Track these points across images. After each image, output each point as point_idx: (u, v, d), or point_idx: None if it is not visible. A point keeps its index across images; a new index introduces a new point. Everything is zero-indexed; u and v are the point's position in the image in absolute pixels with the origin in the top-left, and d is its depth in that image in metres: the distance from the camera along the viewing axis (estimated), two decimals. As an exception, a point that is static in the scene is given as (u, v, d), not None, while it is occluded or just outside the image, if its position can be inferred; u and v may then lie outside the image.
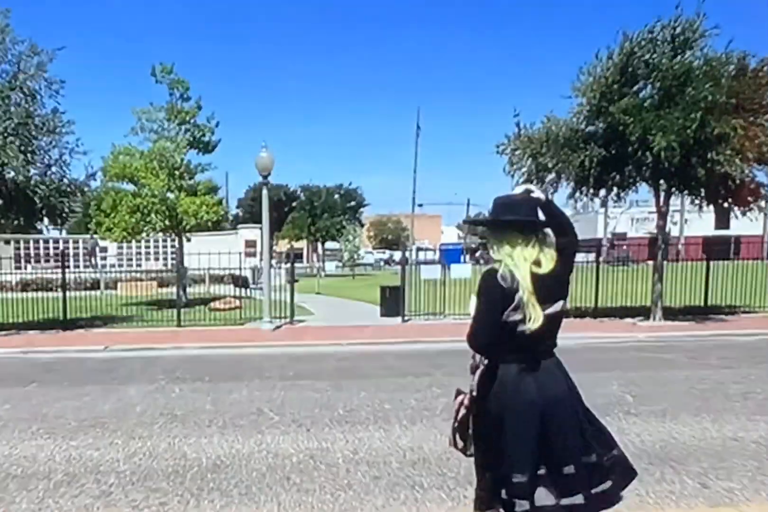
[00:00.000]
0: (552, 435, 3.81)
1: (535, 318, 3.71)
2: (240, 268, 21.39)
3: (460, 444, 4.22)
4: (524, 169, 19.34)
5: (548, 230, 3.94)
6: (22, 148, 18.44)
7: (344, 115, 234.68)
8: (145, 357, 15.58)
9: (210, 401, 10.55)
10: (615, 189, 19.79)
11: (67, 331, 20.10)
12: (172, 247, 49.75)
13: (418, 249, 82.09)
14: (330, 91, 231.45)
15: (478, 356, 4.05)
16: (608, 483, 3.94)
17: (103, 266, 44.38)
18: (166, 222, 25.61)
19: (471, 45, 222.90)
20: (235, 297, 24.21)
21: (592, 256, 22.50)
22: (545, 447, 3.82)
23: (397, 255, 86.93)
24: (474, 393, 4.06)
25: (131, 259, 47.09)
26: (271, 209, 20.29)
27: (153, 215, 25.11)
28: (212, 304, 24.41)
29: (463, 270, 21.29)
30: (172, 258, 47.27)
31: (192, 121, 26.51)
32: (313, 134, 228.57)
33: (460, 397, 4.19)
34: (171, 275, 32.24)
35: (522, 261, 3.77)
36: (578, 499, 3.80)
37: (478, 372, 4.03)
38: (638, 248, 34.63)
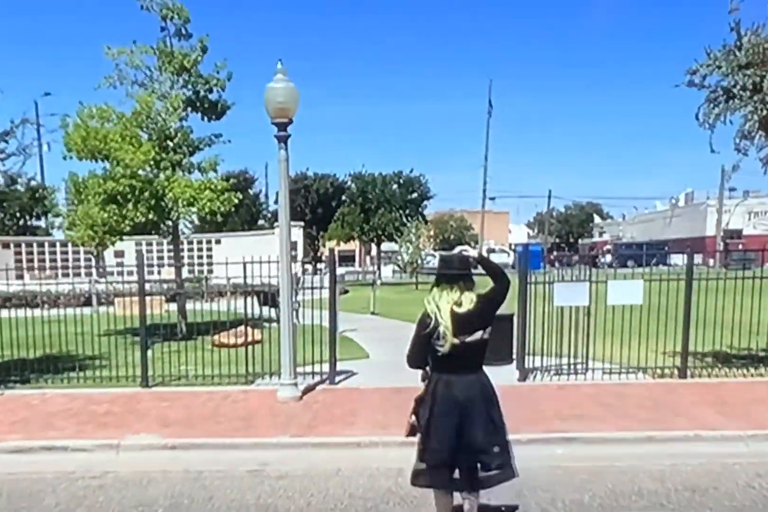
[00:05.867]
0: (466, 426, 5.41)
1: (445, 344, 5.38)
2: (245, 277, 12.98)
3: (408, 430, 5.83)
4: (747, 110, 10.93)
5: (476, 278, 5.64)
6: None
7: (401, 100, 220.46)
8: (26, 491, 7.61)
9: None
10: None
11: (-35, 393, 12.14)
12: (207, 249, 42.61)
13: (489, 250, 73.86)
14: (381, 73, 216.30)
15: (428, 368, 5.70)
16: (502, 465, 5.57)
17: (119, 274, 36.80)
18: (151, 215, 17.47)
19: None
20: (253, 325, 15.60)
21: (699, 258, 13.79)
22: (461, 435, 5.40)
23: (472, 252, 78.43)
24: (422, 393, 5.72)
25: (152, 266, 39.14)
26: (287, 199, 12.05)
27: (131, 205, 17.06)
28: (216, 337, 16.05)
29: (630, 291, 12.54)
30: (199, 265, 39.95)
31: (193, 69, 18.43)
32: (365, 121, 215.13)
33: (416, 396, 5.78)
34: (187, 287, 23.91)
35: (444, 304, 5.43)
36: (481, 473, 5.49)
37: (427, 380, 5.69)
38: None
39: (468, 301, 5.41)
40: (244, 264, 12.90)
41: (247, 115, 18.77)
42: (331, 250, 14.01)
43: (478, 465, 5.49)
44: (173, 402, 11.17)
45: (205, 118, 19.36)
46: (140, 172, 17.56)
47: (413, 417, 5.78)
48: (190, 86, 18.73)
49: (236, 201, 18.74)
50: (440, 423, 5.46)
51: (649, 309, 12.40)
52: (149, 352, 13.25)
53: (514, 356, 13.17)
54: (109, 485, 7.56)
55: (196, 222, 31.11)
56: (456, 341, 5.36)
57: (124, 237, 18.79)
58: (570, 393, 11.43)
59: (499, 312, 14.45)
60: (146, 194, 17.22)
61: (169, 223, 18.93)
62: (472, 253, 5.63)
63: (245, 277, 13.00)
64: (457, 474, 5.52)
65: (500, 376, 11.98)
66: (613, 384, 11.97)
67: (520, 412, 9.82)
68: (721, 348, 13.46)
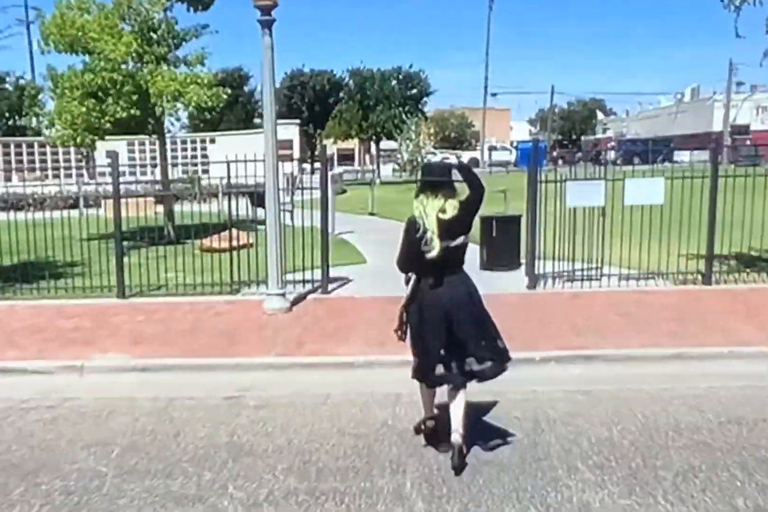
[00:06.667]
0: (455, 325, 5.58)
1: (434, 249, 5.45)
2: (228, 177, 11.94)
3: (400, 333, 5.80)
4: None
5: (457, 185, 5.67)
6: None
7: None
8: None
9: None
10: None
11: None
12: (202, 149, 41.27)
13: (491, 148, 72.18)
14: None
15: (410, 273, 5.80)
16: (494, 358, 5.70)
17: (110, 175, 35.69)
18: (133, 110, 16.33)
19: None
20: (242, 227, 14.58)
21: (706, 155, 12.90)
22: (452, 333, 5.58)
23: (466, 155, 76.56)
24: (407, 298, 5.77)
25: (145, 166, 37.92)
26: (272, 89, 10.88)
27: (111, 100, 15.95)
28: (203, 242, 15.07)
29: (650, 190, 11.33)
30: (194, 165, 38.63)
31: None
32: (362, 13, 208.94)
33: (402, 301, 5.83)
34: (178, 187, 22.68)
35: (431, 210, 5.52)
36: (475, 366, 5.62)
37: (410, 283, 5.75)
38: None
39: (452, 208, 5.57)
40: (228, 163, 11.83)
41: (241, 11, 17.61)
42: (323, 147, 12.92)
43: (471, 359, 5.63)
44: (150, 315, 10.29)
45: (191, 9, 17.98)
46: (123, 66, 16.47)
47: (404, 318, 5.84)
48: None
49: (225, 96, 17.59)
50: (431, 325, 5.61)
51: (671, 210, 11.36)
52: (126, 259, 12.26)
53: (522, 261, 12.22)
54: (64, 417, 6.60)
55: (184, 119, 29.86)
56: (442, 245, 5.51)
57: (117, 137, 17.74)
58: (585, 302, 10.49)
59: (506, 213, 13.45)
60: (127, 88, 16.10)
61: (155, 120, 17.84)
62: (453, 160, 6.16)
63: (229, 177, 11.95)
64: (452, 368, 5.65)
65: (508, 283, 11.15)
66: (632, 292, 11.02)
67: (530, 325, 8.91)
68: (748, 250, 12.47)
